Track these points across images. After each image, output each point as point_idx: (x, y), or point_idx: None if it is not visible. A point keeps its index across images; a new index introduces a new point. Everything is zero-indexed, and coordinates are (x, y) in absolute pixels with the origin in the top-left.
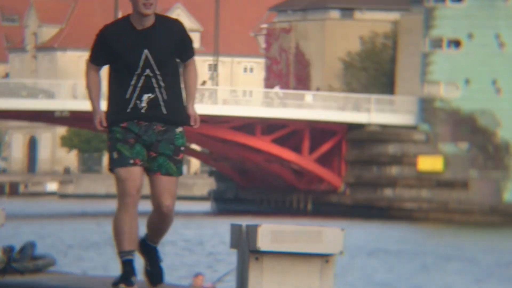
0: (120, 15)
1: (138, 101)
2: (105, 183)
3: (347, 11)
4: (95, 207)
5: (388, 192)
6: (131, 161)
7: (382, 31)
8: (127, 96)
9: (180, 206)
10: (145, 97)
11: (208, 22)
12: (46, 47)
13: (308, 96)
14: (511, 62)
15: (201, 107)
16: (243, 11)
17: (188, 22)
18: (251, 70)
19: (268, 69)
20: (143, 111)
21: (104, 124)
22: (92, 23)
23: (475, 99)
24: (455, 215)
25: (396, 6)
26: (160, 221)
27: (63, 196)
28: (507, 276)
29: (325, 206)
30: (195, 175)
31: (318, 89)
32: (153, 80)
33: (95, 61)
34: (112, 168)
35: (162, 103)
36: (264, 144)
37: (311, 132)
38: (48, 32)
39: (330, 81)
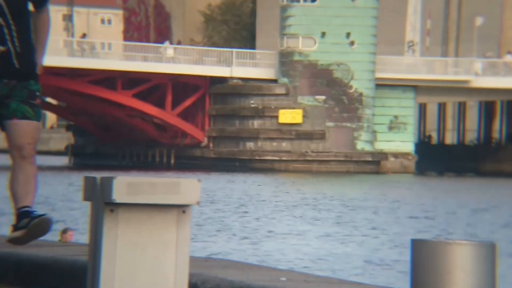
0: None
1: None
2: None
3: None
4: None
5: (250, 144)
6: None
7: None
8: None
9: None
10: None
11: None
12: None
13: (169, 49)
14: (362, 15)
15: (57, 59)
16: None
17: None
18: (109, 21)
19: (127, 21)
20: None
21: None
22: None
23: (331, 52)
24: (313, 165)
25: None
26: (23, 168)
27: None
28: (358, 220)
29: (188, 160)
30: (52, 130)
31: (179, 43)
32: (5, 31)
33: None
34: None
35: (14, 56)
36: (125, 98)
37: (174, 87)
38: None
39: (191, 34)
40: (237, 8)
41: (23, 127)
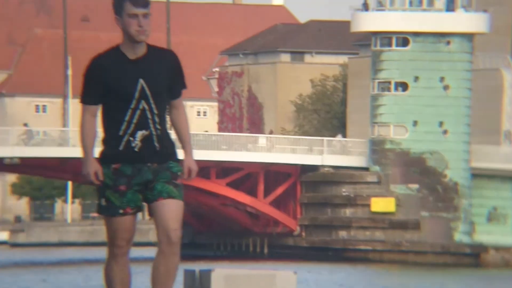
0: (70, 60)
1: (131, 138)
2: (57, 231)
3: (298, 55)
4: (47, 256)
5: (342, 233)
6: (121, 211)
7: (332, 74)
8: (121, 133)
9: (135, 252)
10: (139, 134)
11: None
12: None
13: (262, 139)
14: (455, 104)
15: None
16: (194, 55)
17: None
18: (205, 113)
19: (222, 112)
20: (136, 149)
21: (101, 177)
22: (41, 69)
23: (423, 141)
24: (409, 255)
25: (345, 50)
26: (167, 258)
27: (14, 245)
28: None
29: (281, 249)
30: (150, 220)
31: (271, 132)
32: (148, 115)
33: (88, 99)
34: (100, 213)
35: (155, 139)
36: (220, 187)
37: (266, 175)
38: None
39: (283, 123)
40: (327, 98)
41: (170, 206)
